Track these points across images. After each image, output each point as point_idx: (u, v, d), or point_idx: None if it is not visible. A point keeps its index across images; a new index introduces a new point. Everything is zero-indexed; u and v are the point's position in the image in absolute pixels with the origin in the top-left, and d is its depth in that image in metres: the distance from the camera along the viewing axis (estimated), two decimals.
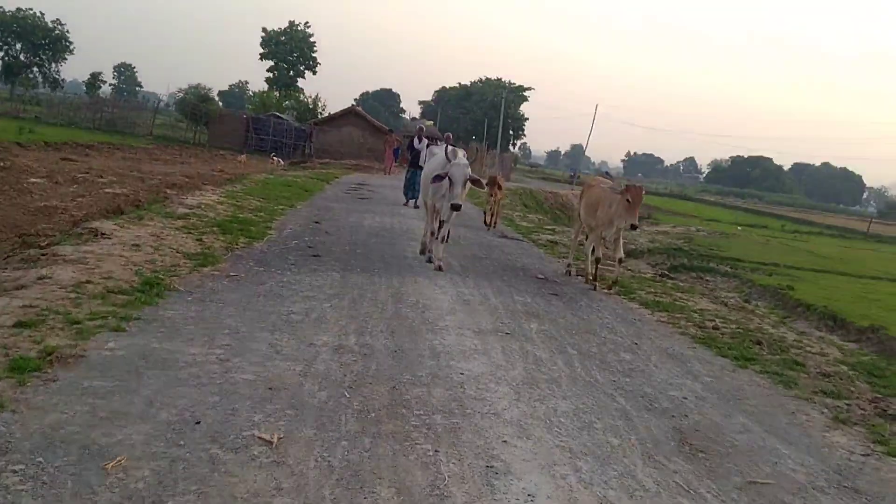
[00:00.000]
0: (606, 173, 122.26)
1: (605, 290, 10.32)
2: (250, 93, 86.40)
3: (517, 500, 3.62)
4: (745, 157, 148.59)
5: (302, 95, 63.77)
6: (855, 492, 4.40)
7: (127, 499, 3.20)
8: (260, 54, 72.86)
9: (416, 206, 18.47)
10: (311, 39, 73.87)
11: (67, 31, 67.22)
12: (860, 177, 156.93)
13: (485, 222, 17.78)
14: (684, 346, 7.63)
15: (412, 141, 19.22)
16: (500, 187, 17.64)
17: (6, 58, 65.70)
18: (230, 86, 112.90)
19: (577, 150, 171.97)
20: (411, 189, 18.92)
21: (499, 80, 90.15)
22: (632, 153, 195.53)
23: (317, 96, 60.42)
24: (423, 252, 10.99)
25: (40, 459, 3.42)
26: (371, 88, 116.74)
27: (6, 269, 7.12)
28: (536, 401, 4.97)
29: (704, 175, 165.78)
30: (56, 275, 6.83)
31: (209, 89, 59.09)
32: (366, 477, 3.62)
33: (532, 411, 4.75)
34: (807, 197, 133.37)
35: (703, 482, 4.16)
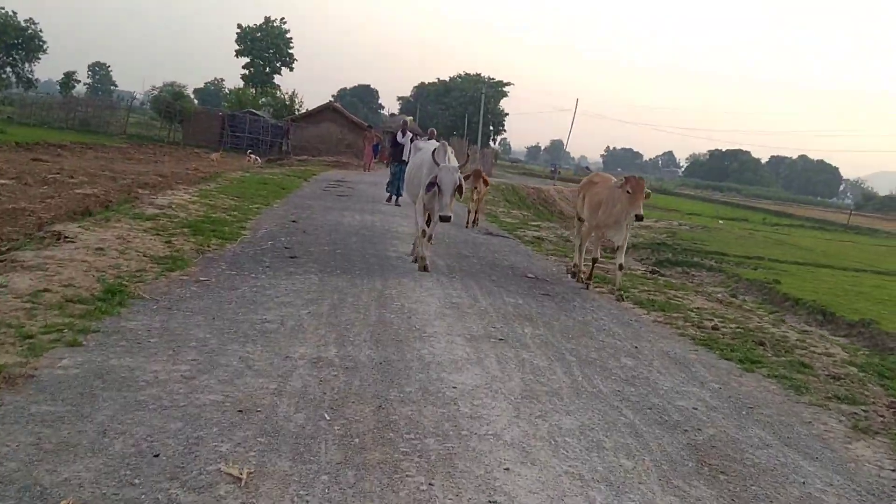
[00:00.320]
0: (586, 168, 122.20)
1: (610, 296, 9.66)
2: (226, 90, 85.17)
3: None
4: (724, 150, 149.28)
5: (279, 92, 62.89)
6: None
7: None
8: (235, 51, 71.87)
9: (397, 204, 17.86)
10: (288, 35, 72.97)
11: (40, 31, 65.71)
12: (837, 169, 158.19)
13: (466, 224, 16.47)
14: (686, 348, 7.20)
15: (395, 135, 18.55)
16: (485, 182, 17.11)
17: None
18: (206, 83, 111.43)
19: (557, 146, 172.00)
20: (394, 185, 18.27)
21: (478, 75, 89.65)
22: (611, 148, 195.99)
23: (294, 92, 59.60)
24: (415, 260, 9.88)
25: None
26: (349, 85, 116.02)
27: None
28: (538, 417, 4.50)
29: (683, 169, 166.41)
30: (12, 283, 6.28)
31: (184, 87, 58.05)
32: None
33: (534, 430, 4.27)
34: (784, 190, 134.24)
35: None
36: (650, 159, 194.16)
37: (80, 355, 4.75)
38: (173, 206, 12.28)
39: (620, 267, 9.78)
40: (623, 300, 9.30)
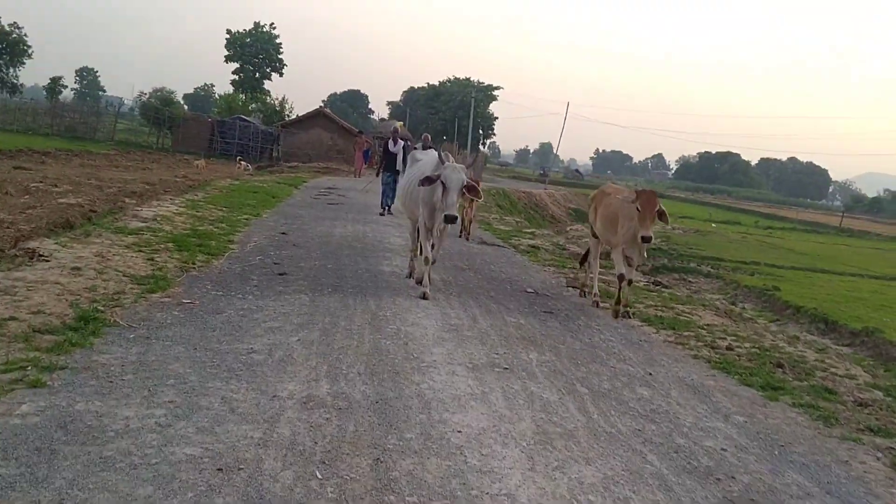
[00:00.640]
0: (576, 171, 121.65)
1: (614, 311, 8.88)
2: (216, 96, 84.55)
3: None
4: (714, 153, 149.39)
5: (269, 98, 62.38)
6: None
7: None
8: (225, 56, 71.35)
9: (389, 213, 17.37)
10: (277, 41, 72.47)
11: (25, 35, 65.01)
12: (826, 171, 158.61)
13: (459, 234, 15.58)
14: (702, 373, 6.74)
15: (387, 143, 17.84)
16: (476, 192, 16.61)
17: None
18: (195, 89, 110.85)
19: (546, 149, 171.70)
20: (389, 195, 17.57)
21: (467, 79, 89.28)
22: (600, 150, 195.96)
23: (284, 98, 59.11)
24: (410, 275, 9.52)
25: None
26: (339, 90, 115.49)
27: None
28: (555, 469, 4.02)
29: (673, 171, 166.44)
30: None
31: (173, 92, 57.50)
32: None
33: (553, 487, 3.79)
34: (774, 192, 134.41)
35: None
36: (639, 162, 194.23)
37: (42, 399, 4.25)
38: (158, 219, 11.78)
39: (629, 282, 9.05)
40: (622, 317, 8.73)
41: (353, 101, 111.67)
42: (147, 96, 55.55)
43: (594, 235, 10.05)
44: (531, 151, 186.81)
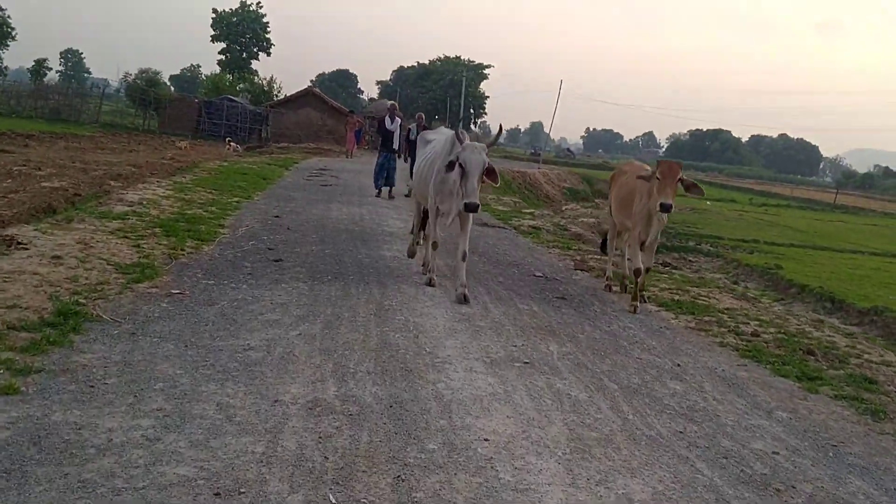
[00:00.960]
0: (568, 150, 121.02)
1: (631, 306, 8.04)
2: (202, 76, 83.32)
3: None
4: (704, 130, 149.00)
5: (256, 78, 61.38)
6: None
7: None
8: (211, 36, 70.12)
9: (390, 197, 16.60)
10: (264, 20, 71.26)
11: (9, 17, 63.60)
12: (816, 147, 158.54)
13: None
14: (732, 363, 6.29)
15: (383, 121, 17.05)
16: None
17: None
18: (182, 69, 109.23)
19: (537, 128, 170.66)
20: (383, 176, 16.85)
21: (458, 58, 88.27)
22: (591, 129, 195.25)
23: (272, 78, 58.12)
24: (412, 255, 9.02)
25: None
26: (327, 69, 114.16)
27: None
28: (599, 483, 3.55)
29: (664, 149, 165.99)
30: None
31: (158, 73, 56.36)
32: None
33: None
34: (765, 168, 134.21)
35: None
36: (630, 140, 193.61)
37: (14, 408, 3.75)
38: (144, 203, 11.22)
39: (646, 270, 8.33)
40: (641, 304, 8.11)
41: (342, 81, 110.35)
42: (132, 77, 54.36)
43: (611, 217, 9.51)
44: (521, 131, 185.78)
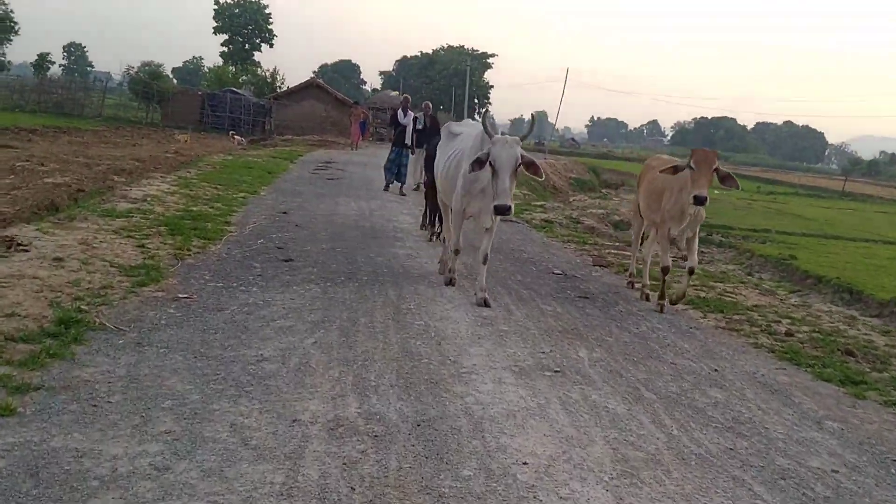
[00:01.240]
0: (572, 139, 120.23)
1: (658, 305, 7.69)
2: (205, 69, 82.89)
3: None
4: (710, 118, 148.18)
5: (259, 69, 60.98)
6: None
7: None
8: (213, 28, 69.75)
9: (401, 193, 15.98)
10: (267, 11, 70.84)
11: (11, 11, 63.35)
12: (822, 134, 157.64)
13: None
14: (770, 366, 5.96)
15: (396, 114, 16.38)
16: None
17: None
18: (184, 62, 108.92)
19: (541, 118, 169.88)
20: (394, 172, 16.18)
21: (461, 47, 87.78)
22: (595, 118, 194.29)
23: (275, 69, 57.69)
24: (442, 272, 7.97)
25: None
26: (329, 60, 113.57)
27: None
28: None
29: (669, 138, 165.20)
30: None
31: (161, 66, 56.08)
32: None
33: None
34: (770, 156, 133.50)
35: None
36: (635, 129, 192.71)
37: (11, 433, 3.44)
38: (149, 200, 10.91)
39: (690, 271, 7.62)
40: (676, 303, 7.71)
41: (344, 72, 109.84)
42: (135, 70, 54.01)
43: (639, 215, 8.90)
44: (525, 120, 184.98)
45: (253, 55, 69.88)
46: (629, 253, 11.54)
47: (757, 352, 6.39)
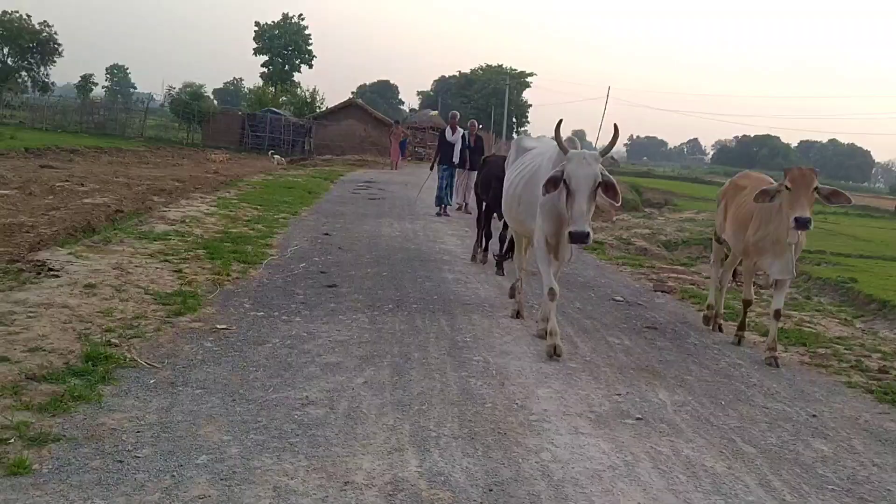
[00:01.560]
0: (612, 157, 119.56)
1: (736, 337, 6.97)
2: (245, 89, 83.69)
3: None
4: (752, 136, 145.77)
5: (299, 89, 61.23)
6: None
7: None
8: (254, 49, 70.15)
9: (445, 214, 15.28)
10: (306, 32, 71.21)
11: (56, 34, 64.50)
12: (868, 152, 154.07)
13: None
14: (871, 410, 5.29)
15: (443, 133, 15.59)
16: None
17: None
18: (225, 83, 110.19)
19: (580, 136, 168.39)
20: (445, 193, 15.35)
21: (500, 66, 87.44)
22: (634, 136, 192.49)
23: (315, 89, 57.86)
24: (517, 315, 6.94)
25: None
26: (368, 80, 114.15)
27: None
28: None
29: (710, 156, 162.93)
30: None
31: (202, 87, 56.53)
32: None
33: None
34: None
35: None
36: (675, 147, 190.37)
37: (21, 497, 2.98)
38: (187, 221, 10.56)
39: (777, 314, 6.53)
40: (742, 341, 6.93)
41: (382, 92, 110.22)
42: (177, 91, 54.55)
43: (717, 240, 8.00)
44: (563, 139, 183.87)
45: (292, 76, 70.21)
46: (690, 277, 10.90)
47: (852, 392, 5.71)
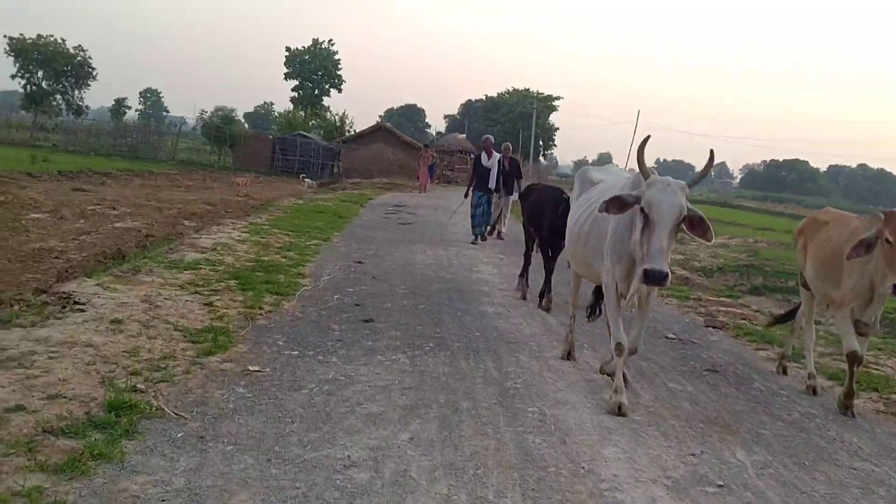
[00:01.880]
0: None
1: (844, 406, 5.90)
2: (276, 113, 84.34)
3: None
4: (780, 160, 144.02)
5: (328, 113, 61.47)
6: None
7: None
8: (284, 74, 70.77)
9: (482, 239, 14.69)
10: (336, 57, 71.67)
11: (90, 58, 65.55)
12: None
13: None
14: None
15: (479, 157, 14.98)
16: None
17: (28, 86, 64.15)
18: (255, 107, 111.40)
19: (605, 159, 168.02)
20: (482, 221, 14.69)
21: (527, 90, 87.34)
22: (661, 160, 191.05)
23: (344, 113, 58.03)
24: (568, 356, 6.43)
25: None
26: (395, 104, 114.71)
27: None
28: None
29: (737, 180, 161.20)
30: None
31: (233, 111, 57.01)
32: None
33: None
34: (844, 199, 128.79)
35: None
36: None
37: None
38: (218, 248, 10.26)
39: (853, 358, 5.67)
40: (851, 413, 5.75)
41: (410, 116, 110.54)
42: (208, 115, 55.06)
43: (804, 286, 6.82)
44: (589, 162, 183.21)
45: (322, 100, 70.61)
46: (740, 311, 10.30)
47: None
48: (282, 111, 68.37)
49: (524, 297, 9.16)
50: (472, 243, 14.40)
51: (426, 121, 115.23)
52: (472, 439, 4.28)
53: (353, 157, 44.13)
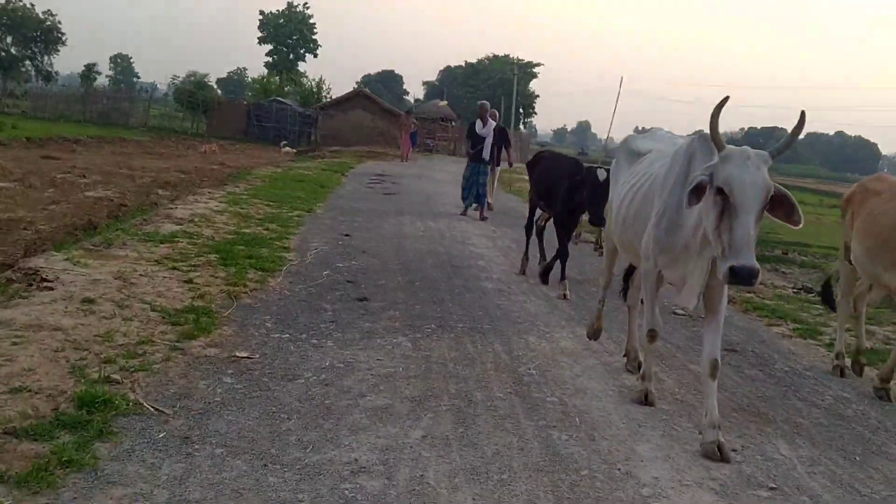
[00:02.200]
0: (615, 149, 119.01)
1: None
2: (249, 79, 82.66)
3: None
4: (759, 128, 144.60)
5: (305, 79, 60.27)
6: None
7: None
8: (258, 38, 69.24)
9: (482, 218, 13.61)
10: (311, 21, 70.19)
11: (59, 23, 63.76)
12: (875, 145, 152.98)
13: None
14: None
15: (473, 125, 14.01)
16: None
17: None
18: (228, 73, 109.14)
19: (584, 127, 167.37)
20: (472, 192, 13.80)
21: (506, 56, 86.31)
22: (640, 128, 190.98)
23: (321, 79, 56.91)
24: (594, 336, 5.91)
25: None
26: (372, 70, 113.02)
27: None
28: None
29: None
30: None
31: (206, 76, 55.68)
32: None
33: None
34: (822, 167, 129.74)
35: None
36: (681, 139, 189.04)
37: None
38: (196, 220, 9.66)
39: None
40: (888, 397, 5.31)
41: (387, 82, 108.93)
42: (180, 81, 53.69)
43: (848, 260, 5.99)
44: (568, 130, 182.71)
45: (297, 65, 69.25)
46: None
47: None
48: (256, 77, 66.92)
49: (523, 272, 8.69)
50: (462, 214, 13.77)
51: (404, 87, 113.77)
52: (492, 436, 3.83)
53: (331, 124, 43.21)
